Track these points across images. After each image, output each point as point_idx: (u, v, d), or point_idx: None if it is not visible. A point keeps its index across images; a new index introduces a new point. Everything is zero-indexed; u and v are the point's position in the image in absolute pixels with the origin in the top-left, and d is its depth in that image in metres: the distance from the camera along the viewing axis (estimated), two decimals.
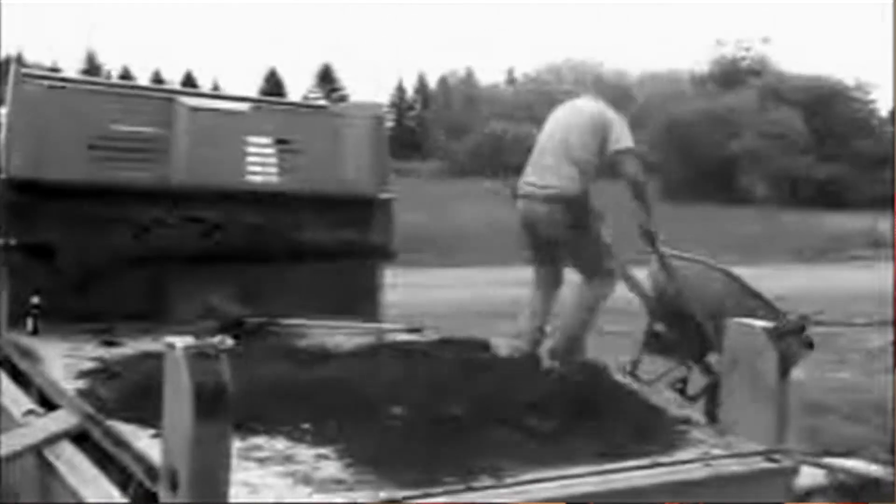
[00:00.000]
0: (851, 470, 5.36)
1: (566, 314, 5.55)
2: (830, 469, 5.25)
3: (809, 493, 5.01)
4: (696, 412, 4.00)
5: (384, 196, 5.74)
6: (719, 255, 19.96)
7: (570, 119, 5.54)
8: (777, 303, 4.81)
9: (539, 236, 5.49)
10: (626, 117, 5.57)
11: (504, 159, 35.95)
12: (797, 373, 7.93)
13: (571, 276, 5.64)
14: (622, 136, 5.40)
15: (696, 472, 3.17)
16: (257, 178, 5.42)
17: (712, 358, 4.68)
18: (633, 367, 5.01)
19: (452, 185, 30.74)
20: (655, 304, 5.23)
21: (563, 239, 5.41)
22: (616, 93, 6.06)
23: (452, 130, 41.45)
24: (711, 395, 4.46)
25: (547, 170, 5.44)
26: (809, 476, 5.13)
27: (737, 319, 3.58)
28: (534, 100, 38.64)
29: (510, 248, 19.50)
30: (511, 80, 58.02)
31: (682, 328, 4.97)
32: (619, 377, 3.98)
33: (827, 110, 33.75)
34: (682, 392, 4.75)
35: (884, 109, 38.18)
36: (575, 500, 2.90)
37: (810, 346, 3.80)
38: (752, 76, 39.39)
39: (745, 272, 15.18)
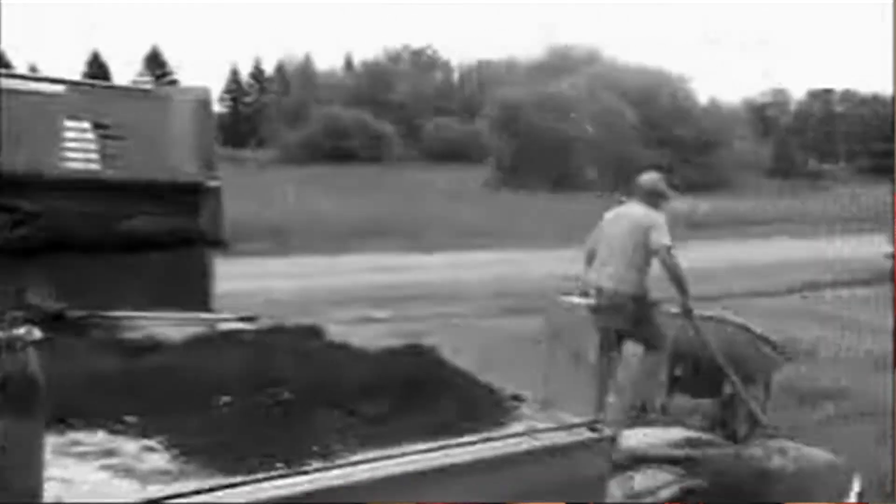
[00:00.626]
0: (672, 435, 5.65)
1: (638, 380, 6.35)
2: (654, 435, 5.53)
3: (635, 459, 5.26)
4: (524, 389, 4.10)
5: (212, 183, 5.60)
6: (553, 241, 20.62)
7: (623, 227, 6.96)
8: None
9: (611, 329, 5.98)
10: None
11: (341, 145, 35.82)
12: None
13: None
14: (662, 235, 6.68)
15: (522, 444, 3.26)
16: (76, 165, 5.18)
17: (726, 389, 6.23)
18: (663, 408, 6.09)
19: (287, 173, 30.34)
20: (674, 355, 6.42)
21: (635, 328, 6.24)
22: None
23: (289, 117, 40.87)
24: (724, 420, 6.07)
25: (614, 277, 6.27)
26: (635, 442, 5.40)
27: (559, 297, 3.70)
28: (372, 86, 38.63)
29: (343, 237, 19.59)
30: (349, 66, 57.72)
31: (698, 371, 6.33)
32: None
33: (653, 100, 35.13)
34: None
35: (703, 99, 40.18)
36: (406, 478, 2.93)
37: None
38: (583, 65, 40.54)
39: (579, 255, 15.73)
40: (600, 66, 39.48)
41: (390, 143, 38.01)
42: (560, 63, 41.93)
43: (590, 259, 6.78)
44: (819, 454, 5.37)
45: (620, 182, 31.81)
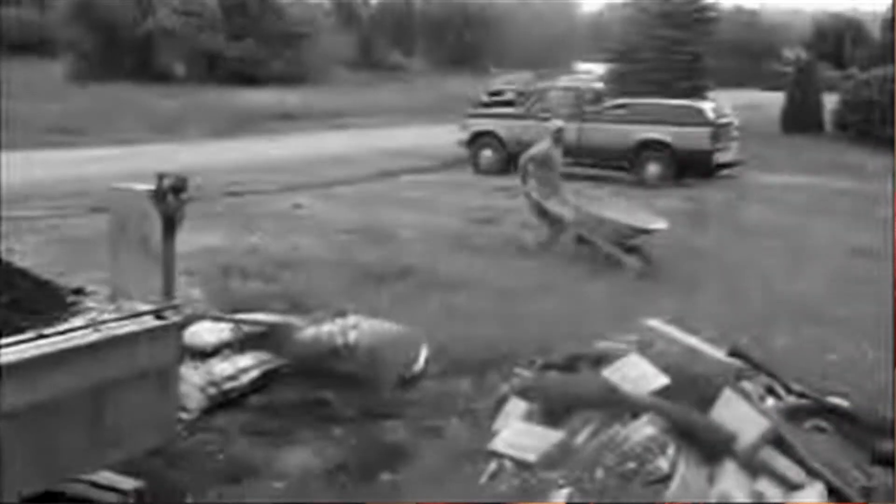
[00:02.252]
0: (255, 322, 5.81)
1: None
2: (236, 323, 5.65)
3: (217, 347, 5.35)
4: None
5: None
6: (134, 133, 19.72)
7: None
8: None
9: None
10: None
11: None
12: (212, 238, 8.32)
13: None
14: None
15: (87, 337, 3.20)
16: None
17: None
18: None
19: None
20: None
21: None
22: None
23: None
24: None
25: None
26: (216, 332, 5.48)
27: (118, 185, 3.62)
28: None
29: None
30: None
31: None
32: None
33: None
34: None
35: None
36: None
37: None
38: None
39: (166, 148, 15.24)
40: None
41: None
42: None
43: None
44: (390, 327, 5.81)
45: (207, 74, 31.19)
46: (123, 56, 30.88)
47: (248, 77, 30.74)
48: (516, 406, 4.59)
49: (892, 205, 11.50)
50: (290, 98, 27.41)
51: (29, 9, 36.70)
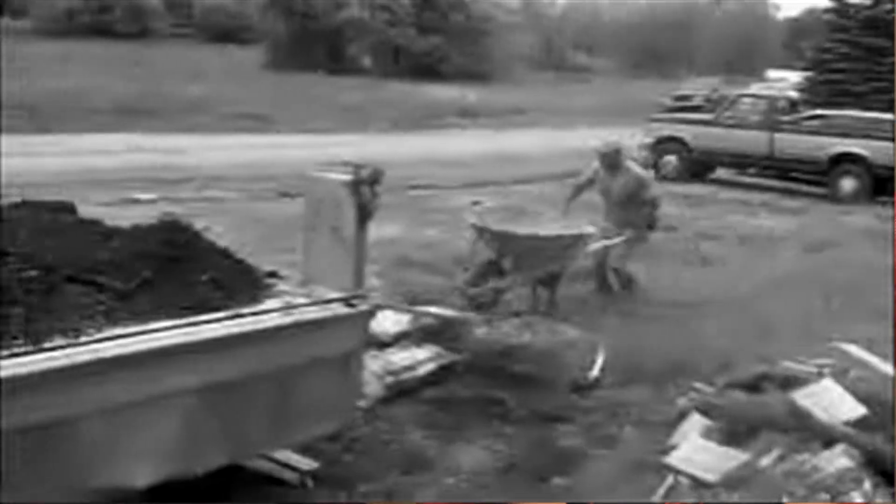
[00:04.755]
0: (432, 315, 5.86)
1: None
2: (415, 315, 5.72)
3: (395, 338, 5.43)
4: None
5: None
6: (327, 122, 20.37)
7: None
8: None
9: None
10: None
11: (102, 18, 33.54)
12: (390, 230, 8.48)
13: None
14: None
15: (277, 320, 3.29)
16: None
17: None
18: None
19: (43, 46, 28.18)
20: None
21: None
22: None
23: None
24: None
25: None
26: (396, 322, 5.56)
27: (316, 173, 3.70)
28: None
29: (105, 116, 18.56)
30: None
31: None
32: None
33: None
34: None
35: None
36: (154, 355, 2.90)
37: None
38: None
39: (350, 138, 15.65)
40: None
41: (155, 17, 35.84)
42: None
43: None
44: (566, 330, 5.74)
45: (392, 66, 31.89)
46: (314, 47, 31.98)
47: (432, 71, 31.21)
48: (696, 422, 4.43)
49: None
50: (471, 94, 27.64)
51: None
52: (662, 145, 16.44)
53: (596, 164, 7.28)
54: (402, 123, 22.20)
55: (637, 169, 7.38)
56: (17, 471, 2.62)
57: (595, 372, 5.42)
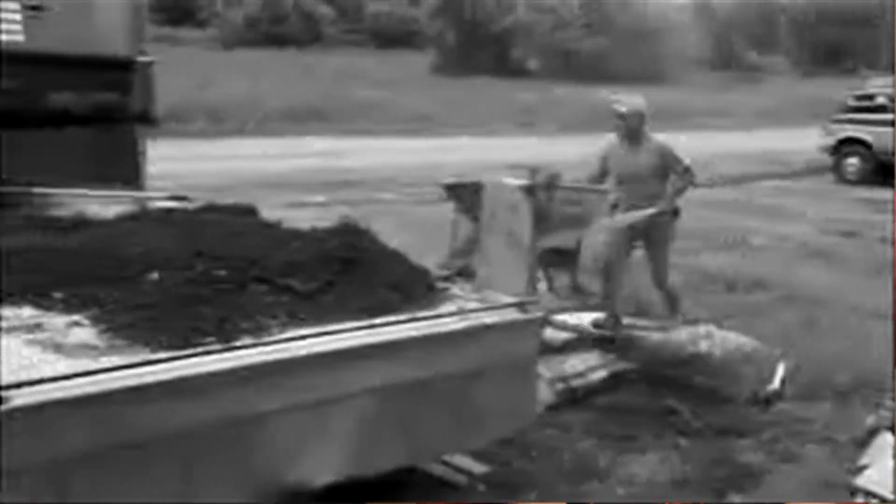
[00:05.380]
0: (603, 321, 5.78)
1: None
2: (585, 321, 5.65)
3: (565, 344, 5.38)
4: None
5: (142, 59, 5.43)
6: (495, 125, 20.46)
7: None
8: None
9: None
10: None
11: (280, 28, 34.87)
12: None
13: None
14: None
15: (453, 324, 3.30)
16: (2, 38, 4.96)
17: None
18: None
19: (228, 56, 29.55)
20: None
21: None
22: None
23: None
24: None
25: None
26: (565, 328, 5.52)
27: (492, 178, 3.69)
28: None
29: (280, 121, 19.25)
30: None
31: None
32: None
33: None
34: None
35: None
36: (335, 357, 2.96)
37: None
38: None
39: (519, 141, 15.74)
40: None
41: (327, 24, 37.02)
42: None
43: None
44: (744, 340, 5.53)
45: (561, 69, 31.70)
46: (482, 50, 32.23)
47: (599, 73, 30.84)
48: (887, 441, 4.17)
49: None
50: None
51: (401, 4, 39.29)
52: (844, 147, 15.69)
53: (612, 136, 6.08)
54: (571, 126, 22.05)
55: (659, 138, 6.07)
56: (205, 468, 2.72)
57: (776, 385, 5.20)
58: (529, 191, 3.49)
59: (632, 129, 5.86)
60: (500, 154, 14.61)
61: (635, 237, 5.94)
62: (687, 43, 36.13)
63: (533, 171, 3.50)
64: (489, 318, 3.37)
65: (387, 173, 13.39)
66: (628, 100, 6.00)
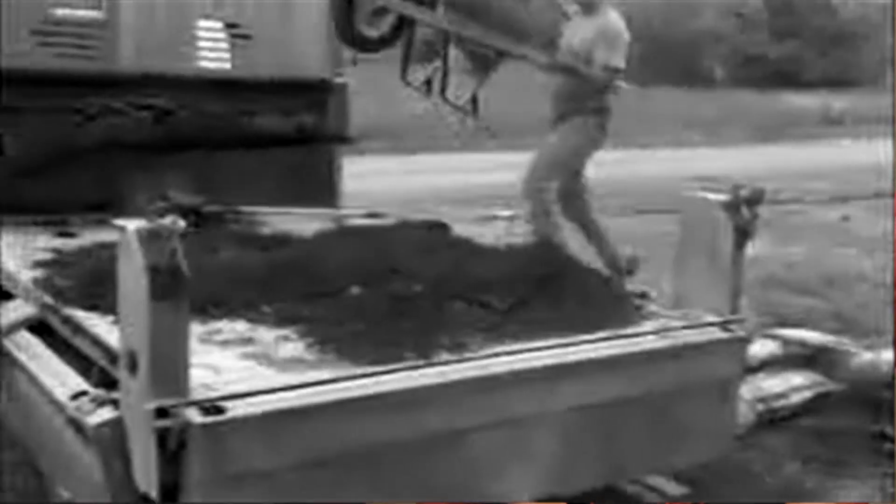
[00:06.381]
0: (803, 340, 5.51)
1: None
2: (784, 340, 5.41)
3: (764, 363, 5.17)
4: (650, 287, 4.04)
5: (338, 80, 5.63)
6: (680, 135, 19.97)
7: None
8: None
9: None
10: None
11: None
12: (754, 248, 8.09)
13: None
14: None
15: (654, 342, 3.23)
16: (208, 63, 5.26)
17: None
18: None
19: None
20: None
21: None
22: None
23: None
24: None
25: None
26: (763, 347, 5.29)
27: (693, 193, 3.60)
28: None
29: (469, 137, 19.49)
30: None
31: None
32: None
33: None
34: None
35: None
36: (536, 373, 2.95)
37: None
38: None
39: (705, 152, 15.30)
40: None
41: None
42: None
43: None
44: None
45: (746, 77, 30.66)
46: (666, 60, 31.59)
47: (789, 79, 29.63)
48: None
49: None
50: (836, 102, 25.90)
51: None
52: None
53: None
54: (758, 134, 21.29)
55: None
56: (401, 484, 2.76)
57: None
58: (733, 207, 3.37)
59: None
60: (687, 166, 14.27)
61: None
62: (885, 45, 34.22)
63: (736, 186, 3.38)
64: (691, 337, 3.28)
65: None
66: None
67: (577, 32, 5.41)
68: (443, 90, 5.07)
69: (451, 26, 4.72)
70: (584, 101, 5.44)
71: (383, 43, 4.92)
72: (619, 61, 5.29)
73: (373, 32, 4.86)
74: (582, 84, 5.29)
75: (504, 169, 15.18)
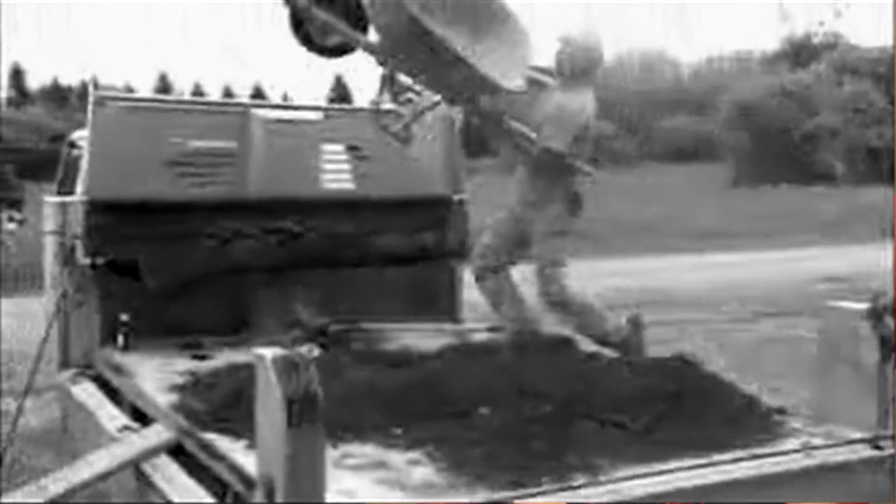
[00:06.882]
0: None
1: None
2: None
3: None
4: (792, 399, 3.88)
5: (458, 197, 5.71)
6: (801, 235, 19.39)
7: None
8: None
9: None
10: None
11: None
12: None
13: None
14: None
15: (798, 462, 3.08)
16: (332, 186, 5.42)
17: None
18: None
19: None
20: None
21: None
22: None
23: None
24: None
25: None
26: None
27: (833, 303, 3.47)
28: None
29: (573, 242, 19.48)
30: None
31: None
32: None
33: None
34: None
35: None
36: (674, 496, 2.84)
37: None
38: (826, 51, 38.36)
39: (826, 252, 14.74)
40: (842, 50, 37.12)
41: (617, 142, 37.25)
42: (799, 52, 39.97)
43: None
44: None
45: (869, 171, 29.84)
46: (781, 158, 31.07)
47: None
48: None
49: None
50: None
51: (692, 116, 39.07)
52: None
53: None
54: (882, 233, 20.60)
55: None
56: None
57: None
58: (875, 316, 3.24)
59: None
60: (807, 266, 13.86)
61: None
62: None
63: (877, 294, 3.25)
64: (838, 456, 3.12)
65: (688, 291, 13.03)
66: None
67: (542, 105, 4.90)
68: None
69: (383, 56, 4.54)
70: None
71: (343, 52, 4.89)
72: (559, 144, 4.72)
73: (331, 41, 4.83)
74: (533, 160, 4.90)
75: (622, 275, 15.13)
